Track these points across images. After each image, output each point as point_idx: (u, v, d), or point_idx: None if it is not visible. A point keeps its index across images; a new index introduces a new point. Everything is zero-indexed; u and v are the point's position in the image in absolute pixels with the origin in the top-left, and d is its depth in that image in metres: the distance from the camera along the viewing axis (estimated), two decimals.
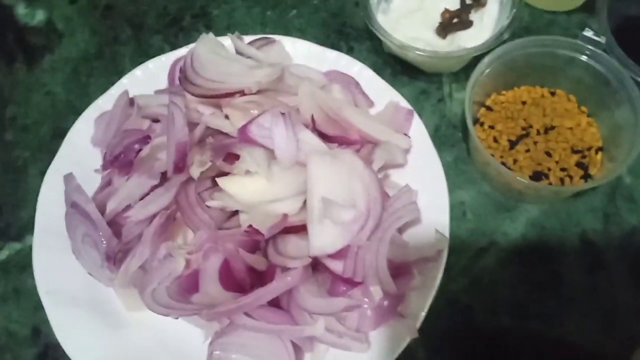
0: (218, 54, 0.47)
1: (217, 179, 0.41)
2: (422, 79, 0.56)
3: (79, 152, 0.49)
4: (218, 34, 0.57)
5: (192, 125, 0.44)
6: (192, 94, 0.44)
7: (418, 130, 0.48)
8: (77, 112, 0.53)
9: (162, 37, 0.60)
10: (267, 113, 0.41)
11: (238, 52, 0.49)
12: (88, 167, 0.48)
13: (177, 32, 0.60)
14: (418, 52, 0.49)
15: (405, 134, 0.47)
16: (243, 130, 0.41)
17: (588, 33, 0.49)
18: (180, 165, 0.41)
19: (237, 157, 0.41)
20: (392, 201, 0.42)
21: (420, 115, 0.53)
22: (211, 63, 0.46)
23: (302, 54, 0.52)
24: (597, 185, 0.46)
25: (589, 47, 0.48)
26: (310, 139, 0.42)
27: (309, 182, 0.40)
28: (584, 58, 0.49)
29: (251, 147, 0.41)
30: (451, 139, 0.53)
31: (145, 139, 0.44)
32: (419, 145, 0.48)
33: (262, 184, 0.40)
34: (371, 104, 0.50)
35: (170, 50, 0.57)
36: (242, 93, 0.43)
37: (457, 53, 0.49)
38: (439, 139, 0.53)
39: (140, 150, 0.44)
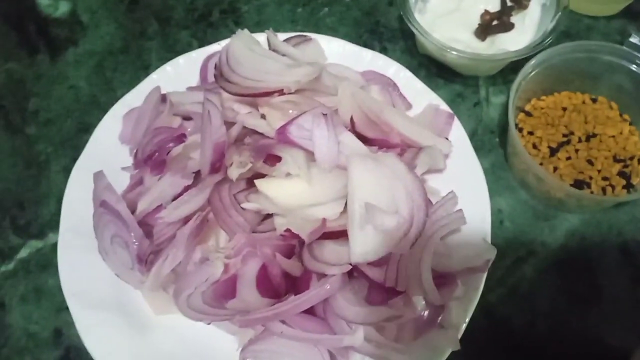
0: (254, 51, 0.45)
1: (255, 181, 0.39)
2: (458, 82, 0.54)
3: (106, 150, 0.47)
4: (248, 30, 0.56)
5: (228, 124, 0.42)
6: (229, 92, 0.42)
7: (458, 134, 0.46)
8: (102, 107, 0.52)
9: (190, 33, 0.58)
10: (307, 113, 0.40)
11: (273, 50, 0.47)
12: (115, 165, 0.46)
13: (205, 28, 0.58)
14: (459, 54, 0.48)
15: (446, 138, 0.46)
16: (282, 131, 0.40)
17: (634, 39, 0.48)
18: (218, 166, 0.40)
19: (277, 158, 0.40)
20: (436, 208, 0.40)
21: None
22: (247, 60, 0.44)
23: (338, 53, 0.50)
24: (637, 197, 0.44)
25: (635, 53, 0.47)
26: (352, 141, 0.40)
27: (350, 186, 0.39)
28: (628, 65, 0.47)
29: (292, 149, 0.39)
30: (488, 144, 0.52)
31: (180, 137, 0.42)
32: (458, 150, 0.46)
33: (301, 187, 0.39)
34: (409, 106, 0.48)
35: (199, 46, 0.56)
36: (280, 92, 0.42)
37: (499, 56, 0.48)
38: (475, 144, 0.51)
39: (173, 149, 0.42)
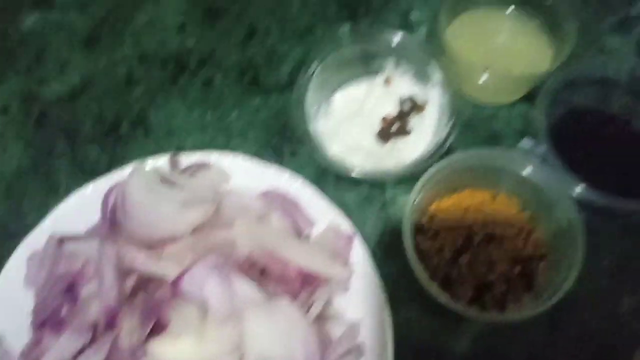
0: (151, 190, 0.45)
1: (146, 341, 0.40)
2: (365, 183, 0.55)
3: (13, 294, 0.47)
4: (158, 141, 0.57)
5: (125, 272, 0.42)
6: (123, 245, 0.42)
7: (360, 254, 0.47)
8: (13, 236, 0.51)
9: (99, 148, 0.58)
10: (199, 264, 0.40)
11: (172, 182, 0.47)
12: (25, 308, 0.46)
13: (114, 142, 0.58)
14: (354, 175, 0.49)
15: (346, 260, 0.47)
16: (174, 284, 0.40)
17: (526, 144, 0.49)
18: (110, 326, 0.40)
19: (170, 313, 0.40)
20: (335, 347, 0.41)
21: (364, 223, 0.53)
22: (143, 202, 0.44)
23: (241, 171, 0.51)
24: (539, 312, 0.45)
25: (527, 158, 0.48)
26: (247, 289, 0.41)
27: (244, 339, 0.39)
28: (521, 169, 0.49)
29: (183, 305, 0.40)
30: (395, 248, 0.52)
31: (76, 288, 0.43)
32: (360, 271, 0.47)
33: (193, 344, 0.39)
34: (312, 224, 0.49)
35: (108, 162, 0.56)
36: (174, 239, 0.42)
37: (390, 174, 0.49)
38: (383, 249, 0.52)
39: (71, 301, 0.42)
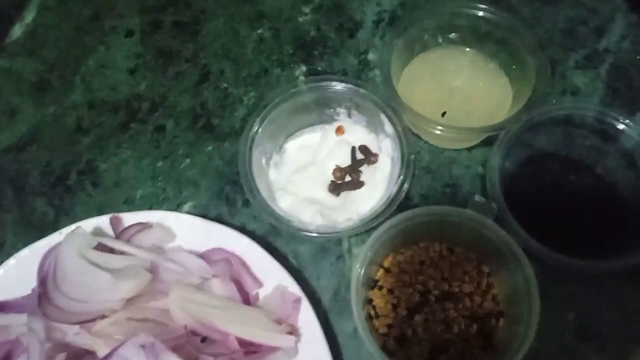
0: (84, 258, 0.43)
1: None
2: None
3: None
4: (107, 192, 0.55)
5: (56, 347, 0.40)
6: (52, 319, 0.41)
7: (307, 317, 0.45)
8: None
9: (46, 200, 0.56)
10: (128, 343, 0.38)
11: (109, 249, 0.45)
12: None
13: (62, 193, 0.56)
14: (305, 234, 0.47)
15: (293, 324, 0.45)
16: None
17: (478, 199, 0.47)
18: None
19: None
20: None
21: (318, 277, 0.51)
22: (76, 273, 0.42)
23: (187, 230, 0.49)
24: None
25: (479, 215, 0.46)
26: None
27: None
28: (474, 225, 0.47)
29: None
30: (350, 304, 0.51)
31: (13, 358, 0.41)
32: (308, 334, 0.45)
33: None
34: (259, 284, 0.47)
35: (55, 215, 0.55)
36: (107, 312, 0.40)
37: (336, 235, 0.47)
38: (339, 304, 0.51)
39: None
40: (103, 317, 0.41)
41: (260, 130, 0.49)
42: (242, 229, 0.54)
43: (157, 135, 0.58)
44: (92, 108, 0.60)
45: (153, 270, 0.45)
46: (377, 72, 0.59)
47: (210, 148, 0.57)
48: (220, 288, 0.44)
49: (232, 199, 0.55)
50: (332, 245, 0.53)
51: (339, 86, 0.51)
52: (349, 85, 0.51)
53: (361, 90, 0.50)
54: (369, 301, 0.49)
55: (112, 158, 0.57)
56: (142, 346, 0.38)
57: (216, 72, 0.61)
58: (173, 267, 0.45)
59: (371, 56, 0.60)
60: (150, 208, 0.55)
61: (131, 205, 0.55)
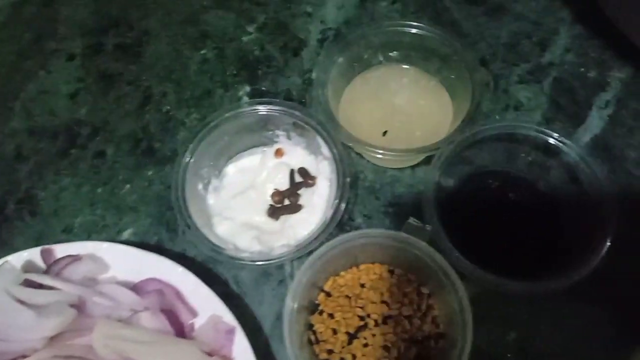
0: (9, 294, 0.42)
1: None
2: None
3: None
4: (44, 221, 0.54)
5: None
6: None
7: (241, 347, 0.44)
8: None
9: None
10: None
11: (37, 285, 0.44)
12: None
13: (0, 223, 0.55)
14: (239, 262, 0.46)
15: (226, 356, 0.44)
16: None
17: (413, 222, 0.47)
18: None
19: None
20: None
21: (260, 303, 0.51)
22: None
23: (120, 260, 0.48)
24: None
25: (412, 237, 0.45)
26: None
27: None
28: (409, 248, 0.46)
29: None
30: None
31: None
32: None
33: None
34: (194, 314, 0.46)
35: None
36: (24, 355, 0.39)
37: (270, 263, 0.46)
38: (280, 330, 0.49)
39: None
40: (24, 356, 0.40)
41: (193, 156, 0.49)
42: (183, 256, 0.53)
43: (97, 161, 0.57)
44: (31, 134, 0.59)
45: (80, 304, 0.44)
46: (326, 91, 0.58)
47: (150, 173, 0.56)
48: (150, 321, 0.43)
49: (173, 224, 0.54)
50: (273, 270, 0.52)
51: (275, 108, 0.50)
52: (284, 108, 0.50)
53: (296, 112, 0.50)
54: (310, 326, 0.49)
55: (51, 186, 0.56)
56: None
57: (158, 95, 0.60)
58: (101, 301, 0.44)
59: (315, 75, 0.59)
60: (89, 236, 0.54)
61: (70, 234, 0.54)
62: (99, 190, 0.56)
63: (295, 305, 0.44)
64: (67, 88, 0.61)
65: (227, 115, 0.50)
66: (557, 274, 0.46)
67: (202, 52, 0.62)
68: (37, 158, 0.58)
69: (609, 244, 0.44)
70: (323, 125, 0.49)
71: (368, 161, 0.56)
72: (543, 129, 0.50)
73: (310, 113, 0.50)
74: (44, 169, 0.57)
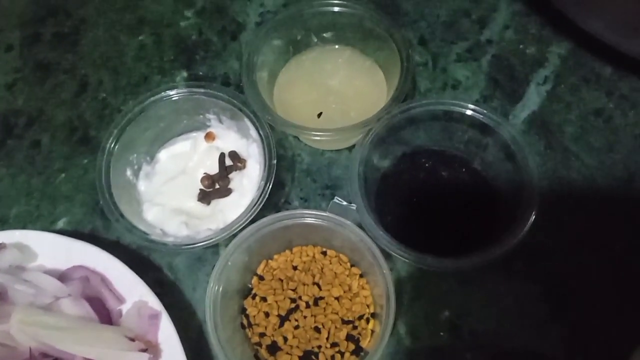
0: None
1: None
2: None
3: None
4: None
5: None
6: None
7: (167, 332, 0.44)
8: None
9: None
10: None
11: None
12: None
13: None
14: (168, 248, 0.46)
15: (152, 340, 0.44)
16: None
17: (338, 201, 0.46)
18: None
19: None
20: None
21: (194, 289, 0.50)
22: None
23: (47, 247, 0.47)
24: None
25: (337, 217, 0.45)
26: None
27: None
28: (336, 227, 0.46)
29: None
30: (227, 314, 0.50)
31: None
32: (168, 350, 0.44)
33: None
34: (121, 300, 0.46)
35: None
36: None
37: (194, 246, 0.45)
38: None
39: None
40: None
41: (118, 142, 0.48)
42: (117, 243, 0.52)
43: (32, 151, 0.56)
44: None
45: (2, 293, 0.43)
46: (260, 74, 0.58)
47: (86, 161, 0.56)
48: (71, 308, 0.43)
49: (107, 216, 0.53)
50: (208, 256, 0.52)
51: (202, 90, 0.50)
52: (211, 90, 0.49)
53: (223, 95, 0.49)
54: (243, 310, 0.48)
55: None
56: None
57: (95, 83, 0.59)
58: (23, 288, 0.43)
59: (245, 58, 0.58)
60: (24, 227, 0.53)
61: (5, 224, 0.54)
62: (34, 180, 0.55)
63: (218, 288, 0.44)
64: (5, 79, 0.60)
65: (152, 99, 0.49)
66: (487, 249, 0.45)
67: (140, 38, 0.61)
68: None
69: (533, 217, 0.44)
70: (249, 107, 0.48)
71: (305, 144, 0.55)
72: (478, 107, 0.49)
73: (237, 95, 0.49)
74: None
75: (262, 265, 0.49)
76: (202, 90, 0.49)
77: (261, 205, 0.46)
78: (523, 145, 0.47)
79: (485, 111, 0.48)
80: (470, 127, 0.52)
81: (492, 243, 0.45)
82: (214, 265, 0.50)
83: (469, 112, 0.49)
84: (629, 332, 0.46)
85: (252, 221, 0.46)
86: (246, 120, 0.49)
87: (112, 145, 0.48)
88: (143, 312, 0.44)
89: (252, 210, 0.46)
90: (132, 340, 0.43)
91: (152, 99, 0.49)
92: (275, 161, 0.47)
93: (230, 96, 0.49)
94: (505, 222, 0.47)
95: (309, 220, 0.46)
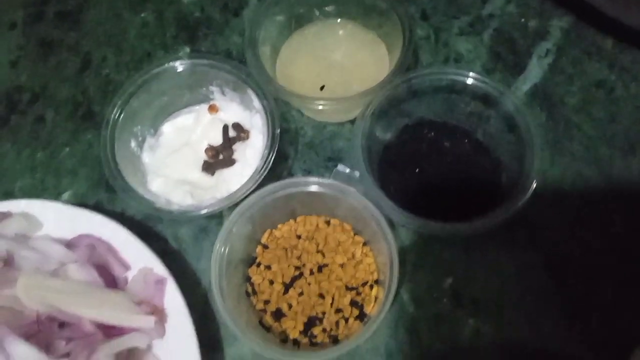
0: None
1: None
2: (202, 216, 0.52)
3: None
4: None
5: None
6: None
7: (173, 297, 0.44)
8: None
9: None
10: None
11: None
12: None
13: None
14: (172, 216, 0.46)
15: (158, 305, 0.44)
16: None
17: (341, 169, 0.47)
18: None
19: None
20: None
21: (199, 259, 0.51)
22: None
23: (52, 217, 0.48)
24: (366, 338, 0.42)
25: (341, 184, 0.45)
26: (23, 352, 0.38)
27: None
28: (339, 195, 0.46)
29: None
30: (232, 283, 0.50)
31: None
32: (175, 314, 0.44)
33: None
34: (127, 267, 0.46)
35: None
36: None
37: (198, 214, 0.46)
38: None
39: None
40: None
41: (123, 112, 0.48)
42: (122, 215, 0.53)
43: (36, 126, 0.57)
44: None
45: (9, 258, 0.43)
46: (262, 49, 0.58)
47: (90, 136, 0.56)
48: (78, 273, 0.43)
49: (112, 186, 0.54)
50: (213, 227, 0.52)
51: (205, 62, 0.50)
52: (214, 62, 0.50)
53: (226, 66, 0.50)
54: (248, 279, 0.49)
55: None
56: None
57: (98, 59, 0.59)
58: (29, 254, 0.44)
59: (247, 32, 0.58)
60: None
61: (10, 197, 0.54)
62: (39, 154, 0.56)
63: (224, 251, 0.44)
64: (8, 56, 0.61)
65: (156, 70, 0.50)
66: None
67: (142, 15, 0.61)
68: None
69: (534, 185, 0.44)
70: (253, 77, 0.49)
71: (308, 118, 0.56)
72: (480, 75, 0.49)
73: (240, 66, 0.50)
74: None
75: (266, 235, 0.50)
76: (205, 61, 0.50)
77: (265, 173, 0.46)
78: (525, 113, 0.48)
79: (487, 80, 0.48)
80: (473, 100, 0.52)
81: (494, 210, 0.45)
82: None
83: (471, 81, 0.49)
84: (631, 300, 0.46)
85: (256, 191, 0.46)
86: (249, 91, 0.49)
87: (117, 116, 0.48)
88: (149, 278, 0.44)
89: (257, 179, 0.46)
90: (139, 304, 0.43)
91: (157, 70, 0.50)
92: (279, 131, 0.47)
93: (233, 67, 0.49)
94: (507, 191, 0.48)
95: (312, 189, 0.46)
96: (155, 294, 0.44)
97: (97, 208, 0.53)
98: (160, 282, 0.45)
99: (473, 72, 0.49)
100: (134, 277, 0.45)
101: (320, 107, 0.49)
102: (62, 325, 0.42)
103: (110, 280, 0.45)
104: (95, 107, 0.57)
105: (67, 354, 0.40)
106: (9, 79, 0.59)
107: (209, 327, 0.48)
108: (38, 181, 0.54)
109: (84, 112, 0.57)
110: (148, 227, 0.52)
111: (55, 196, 0.54)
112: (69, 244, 0.47)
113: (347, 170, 0.46)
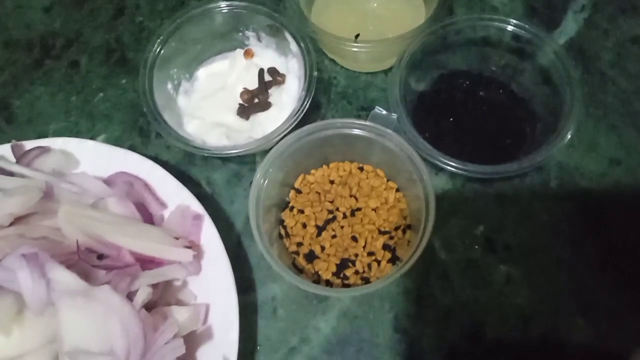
0: None
1: None
2: (234, 161, 0.53)
3: None
4: (19, 128, 0.55)
5: None
6: None
7: (210, 234, 0.45)
8: None
9: None
10: (10, 255, 0.38)
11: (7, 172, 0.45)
12: None
13: None
14: (202, 152, 0.46)
15: (195, 242, 0.45)
16: None
17: (379, 111, 0.47)
18: None
19: None
20: (157, 337, 0.39)
21: (232, 202, 0.51)
22: None
23: (89, 155, 0.48)
24: (395, 278, 0.42)
25: (379, 126, 0.45)
26: (63, 277, 0.38)
27: (59, 330, 0.37)
28: (376, 138, 0.46)
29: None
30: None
31: None
32: (211, 252, 0.45)
33: (4, 338, 0.37)
34: (164, 205, 0.47)
35: None
36: None
37: (235, 152, 0.46)
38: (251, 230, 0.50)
39: None
40: None
41: (163, 48, 0.49)
42: (156, 159, 0.53)
43: (70, 71, 0.57)
44: (6, 47, 0.59)
45: (48, 191, 0.44)
46: None
47: (124, 81, 0.56)
48: (117, 207, 0.44)
49: (146, 130, 0.54)
50: (246, 172, 0.52)
51: (242, 4, 0.50)
52: (251, 4, 0.50)
53: (263, 8, 0.49)
54: (281, 222, 0.49)
55: (25, 95, 0.57)
56: (26, 257, 0.37)
57: (131, 7, 0.60)
58: (69, 187, 0.44)
59: None
60: None
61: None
62: (73, 98, 0.56)
63: (264, 182, 0.44)
64: (42, 2, 0.61)
65: (193, 12, 0.50)
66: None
67: None
68: (12, 69, 0.58)
69: (569, 135, 0.44)
70: (290, 19, 0.49)
71: (341, 67, 0.56)
72: (520, 26, 0.49)
73: (277, 9, 0.49)
74: (18, 80, 0.57)
75: (299, 179, 0.50)
76: (244, 3, 0.50)
77: (302, 115, 0.47)
78: (565, 60, 0.47)
79: (527, 26, 0.48)
80: (507, 52, 0.52)
81: (528, 155, 0.45)
82: (252, 182, 0.51)
83: (511, 28, 0.49)
84: None
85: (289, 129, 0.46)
86: (286, 33, 0.49)
87: (156, 56, 0.48)
88: (186, 214, 0.45)
89: (293, 120, 0.46)
90: (177, 239, 0.43)
91: (194, 12, 0.50)
92: (316, 73, 0.47)
93: (269, 9, 0.49)
94: (542, 140, 0.48)
95: (348, 131, 0.46)
96: (192, 231, 0.45)
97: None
98: (198, 218, 0.45)
99: (512, 19, 0.49)
100: (171, 213, 0.46)
101: (356, 50, 0.48)
102: (100, 257, 0.43)
103: (148, 218, 0.46)
104: (130, 53, 0.58)
105: (107, 283, 0.41)
106: (43, 24, 0.60)
107: (243, 268, 0.49)
108: (72, 124, 0.55)
109: (118, 58, 0.57)
110: (182, 171, 0.53)
111: (89, 139, 0.54)
112: (106, 181, 0.47)
113: (385, 112, 0.46)
